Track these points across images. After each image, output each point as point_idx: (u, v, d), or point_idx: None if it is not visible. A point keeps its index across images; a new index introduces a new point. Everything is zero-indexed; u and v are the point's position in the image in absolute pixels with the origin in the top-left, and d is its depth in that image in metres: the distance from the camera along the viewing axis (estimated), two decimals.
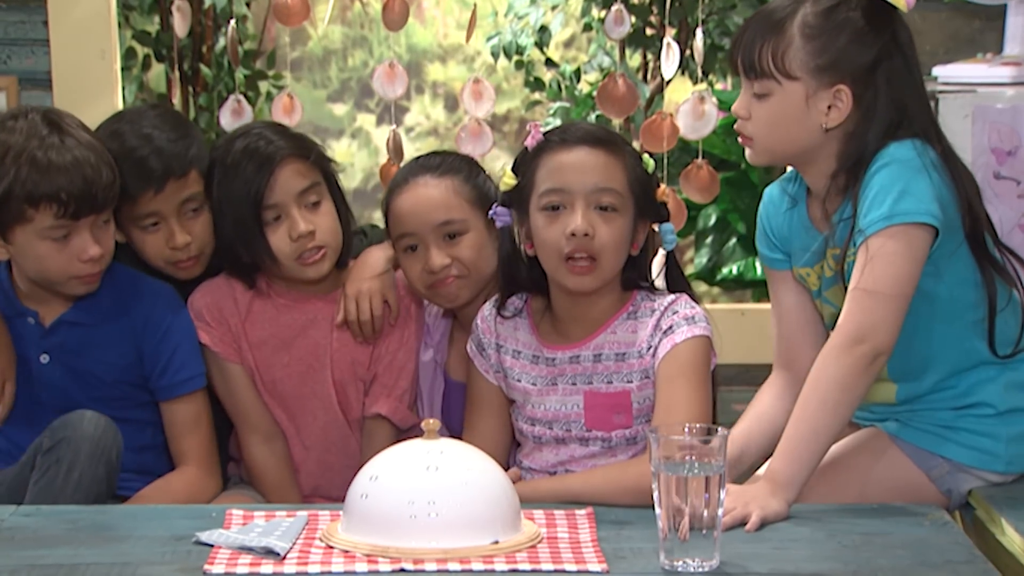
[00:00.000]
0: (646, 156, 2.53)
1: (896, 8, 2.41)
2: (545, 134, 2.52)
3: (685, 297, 2.51)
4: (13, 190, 2.56)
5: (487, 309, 2.62)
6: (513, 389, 2.57)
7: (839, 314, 2.51)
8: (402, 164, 2.93)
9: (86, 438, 2.49)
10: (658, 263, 2.60)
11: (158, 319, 2.73)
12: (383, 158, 3.58)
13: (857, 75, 2.39)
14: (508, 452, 2.63)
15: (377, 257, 2.82)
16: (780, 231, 2.58)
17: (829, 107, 2.40)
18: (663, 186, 2.55)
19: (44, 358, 2.70)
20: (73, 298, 2.69)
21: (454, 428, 2.68)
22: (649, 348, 2.48)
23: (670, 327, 2.46)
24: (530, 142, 2.52)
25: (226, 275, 2.82)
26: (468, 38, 3.58)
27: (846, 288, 2.37)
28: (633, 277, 2.53)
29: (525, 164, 2.52)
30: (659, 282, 2.58)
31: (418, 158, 2.82)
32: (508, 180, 2.55)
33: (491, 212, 2.59)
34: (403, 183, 2.75)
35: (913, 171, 2.35)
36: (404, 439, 2.73)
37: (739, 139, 2.48)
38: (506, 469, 2.54)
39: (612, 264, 2.47)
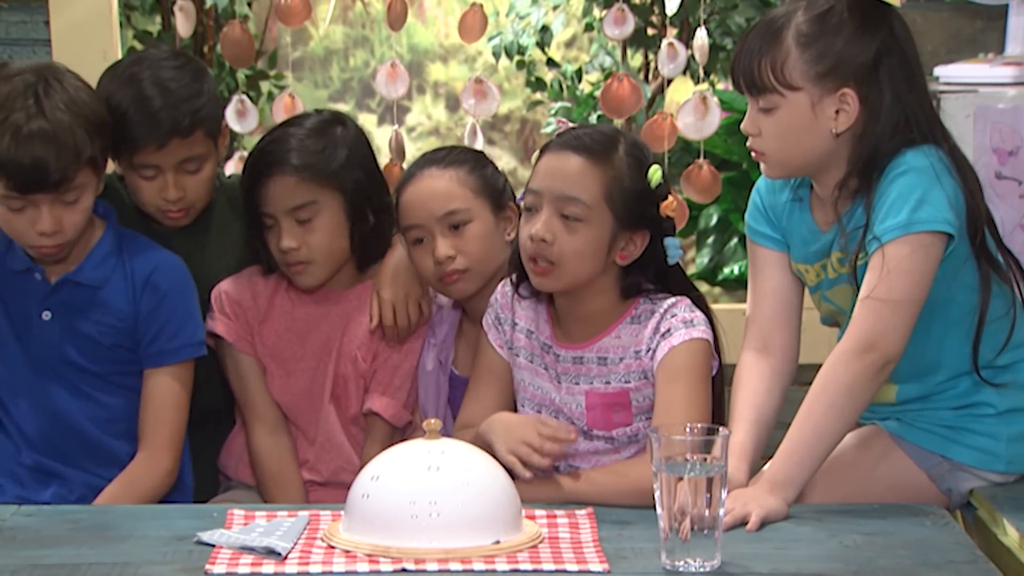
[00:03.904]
0: (654, 167, 2.48)
1: (889, 4, 2.39)
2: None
3: (686, 300, 2.50)
4: None
5: (507, 285, 2.62)
6: (518, 367, 2.57)
7: (839, 312, 2.51)
8: (406, 163, 2.93)
9: None
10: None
11: (158, 283, 2.72)
12: (384, 158, 3.57)
13: (860, 76, 2.37)
14: None
15: (406, 257, 2.81)
16: (778, 217, 2.56)
17: (837, 112, 2.37)
18: (670, 199, 2.50)
19: (46, 315, 2.69)
20: (80, 257, 2.70)
21: None
22: (648, 350, 2.47)
23: (668, 330, 2.46)
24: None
25: (251, 268, 2.86)
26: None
27: (856, 290, 2.36)
28: (633, 284, 2.51)
29: (537, 158, 2.53)
30: None
31: (427, 153, 2.84)
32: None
33: (519, 197, 2.60)
34: (410, 177, 2.77)
35: (930, 179, 2.34)
36: (403, 437, 2.74)
37: (752, 155, 2.45)
38: None
39: (573, 272, 2.45)
